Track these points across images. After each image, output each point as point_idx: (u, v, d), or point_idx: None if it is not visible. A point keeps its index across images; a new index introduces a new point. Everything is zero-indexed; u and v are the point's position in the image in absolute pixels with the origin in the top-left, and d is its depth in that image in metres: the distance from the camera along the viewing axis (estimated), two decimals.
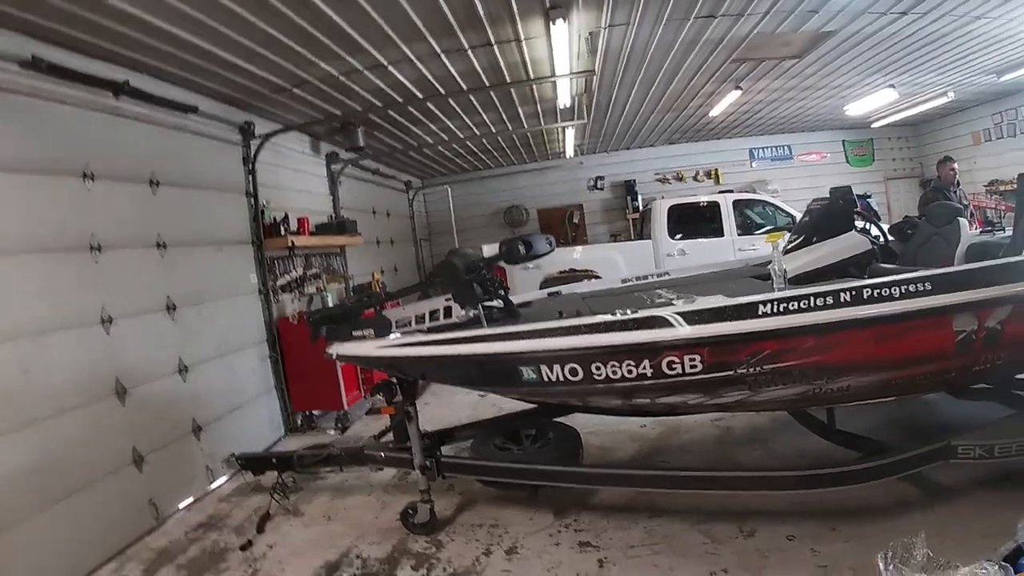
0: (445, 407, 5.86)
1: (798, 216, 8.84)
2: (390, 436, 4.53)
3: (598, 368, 3.24)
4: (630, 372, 3.19)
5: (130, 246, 4.58)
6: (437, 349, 3.54)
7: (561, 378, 3.32)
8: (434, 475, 4.07)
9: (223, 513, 4.63)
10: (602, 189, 12.75)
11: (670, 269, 5.35)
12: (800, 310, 2.99)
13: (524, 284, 8.60)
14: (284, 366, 6.35)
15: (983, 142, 11.22)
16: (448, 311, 4.35)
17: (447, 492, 4.45)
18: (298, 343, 6.07)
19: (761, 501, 3.69)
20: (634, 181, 12.53)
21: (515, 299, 4.93)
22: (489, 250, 10.02)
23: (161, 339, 4.80)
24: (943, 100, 9.67)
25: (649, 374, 3.17)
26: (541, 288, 8.31)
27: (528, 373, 3.40)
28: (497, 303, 4.21)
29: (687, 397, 3.37)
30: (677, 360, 3.11)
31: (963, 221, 4.31)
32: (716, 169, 12.64)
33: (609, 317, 3.27)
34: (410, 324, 4.26)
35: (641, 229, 10.30)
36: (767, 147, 12.75)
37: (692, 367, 3.10)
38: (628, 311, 3.25)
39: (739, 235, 9.04)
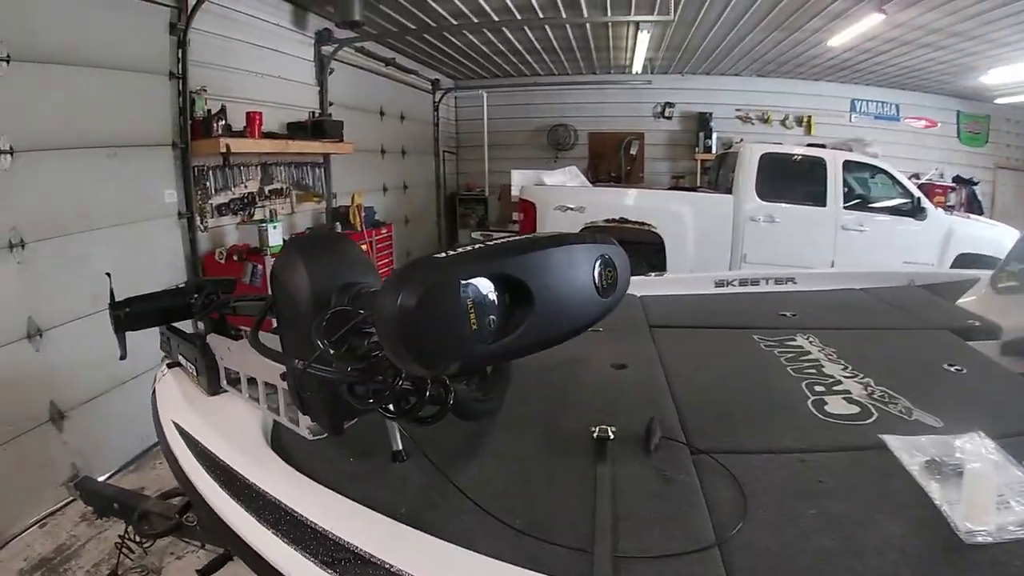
0: None
1: (917, 194, 6.63)
2: None
3: None
4: None
5: None
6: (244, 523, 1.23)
7: None
8: None
9: (73, 547, 3.32)
10: (670, 119, 10.39)
11: (794, 273, 3.23)
12: None
13: (558, 230, 6.64)
14: None
15: None
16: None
17: None
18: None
19: None
20: (710, 115, 10.15)
21: None
22: (521, 178, 8.20)
23: None
24: None
25: None
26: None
27: None
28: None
29: None
30: None
31: None
32: (810, 117, 10.14)
33: None
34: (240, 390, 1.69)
35: (716, 177, 8.00)
36: (872, 101, 10.10)
37: None
38: None
39: (844, 208, 6.67)
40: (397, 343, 0.90)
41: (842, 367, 1.92)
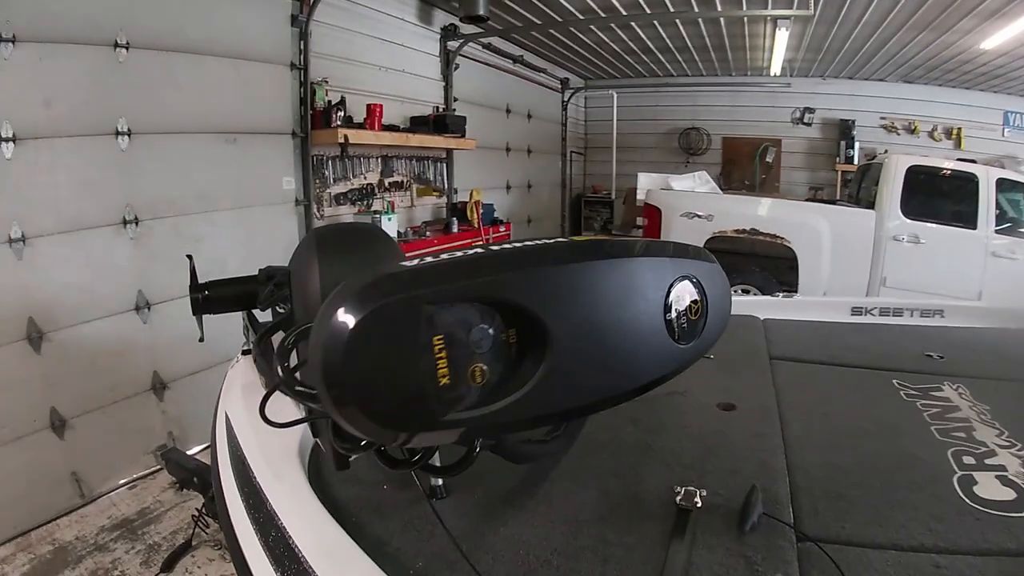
0: None
1: None
2: None
3: None
4: None
5: (75, 132, 3.14)
6: None
7: None
8: None
9: (156, 511, 3.43)
10: (809, 125, 9.65)
11: (943, 304, 2.75)
12: None
13: (683, 239, 6.27)
14: None
15: None
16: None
17: None
18: None
19: None
20: (852, 122, 9.32)
21: None
22: (647, 182, 7.79)
23: (108, 265, 3.39)
24: None
25: None
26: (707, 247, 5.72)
27: None
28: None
29: None
30: None
31: None
32: (959, 129, 9.07)
33: None
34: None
35: (857, 190, 7.26)
36: None
37: None
38: None
39: (995, 231, 5.82)
40: (322, 386, 0.59)
41: (996, 432, 1.51)
